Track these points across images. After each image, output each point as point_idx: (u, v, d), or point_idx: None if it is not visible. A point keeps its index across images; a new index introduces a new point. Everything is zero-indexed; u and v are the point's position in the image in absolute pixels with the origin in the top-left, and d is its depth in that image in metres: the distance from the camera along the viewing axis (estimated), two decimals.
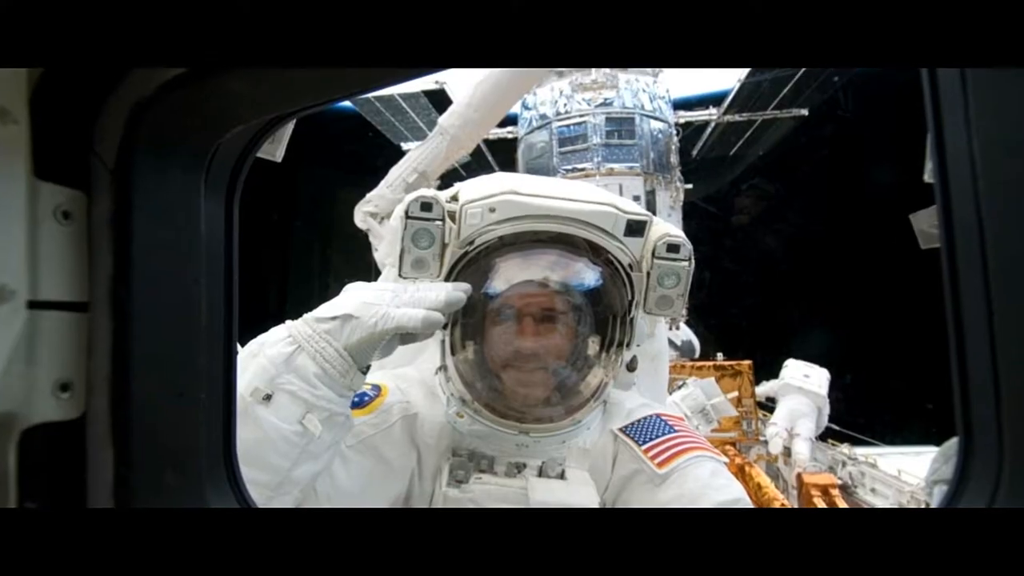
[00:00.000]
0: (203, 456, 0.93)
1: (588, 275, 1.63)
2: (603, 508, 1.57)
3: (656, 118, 14.94)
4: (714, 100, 17.10)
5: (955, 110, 0.75)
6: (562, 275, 1.61)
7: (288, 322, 1.45)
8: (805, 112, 16.65)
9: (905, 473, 8.62)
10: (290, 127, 3.22)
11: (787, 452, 9.14)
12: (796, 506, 8.41)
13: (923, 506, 7.32)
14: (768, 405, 10.80)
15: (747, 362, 10.72)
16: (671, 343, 10.17)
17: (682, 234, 1.66)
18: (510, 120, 15.53)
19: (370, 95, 14.02)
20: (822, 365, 9.78)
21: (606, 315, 1.68)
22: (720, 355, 11.42)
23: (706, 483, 1.55)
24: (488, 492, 1.52)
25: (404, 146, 15.81)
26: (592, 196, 1.62)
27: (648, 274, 1.64)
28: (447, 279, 1.61)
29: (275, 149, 3.44)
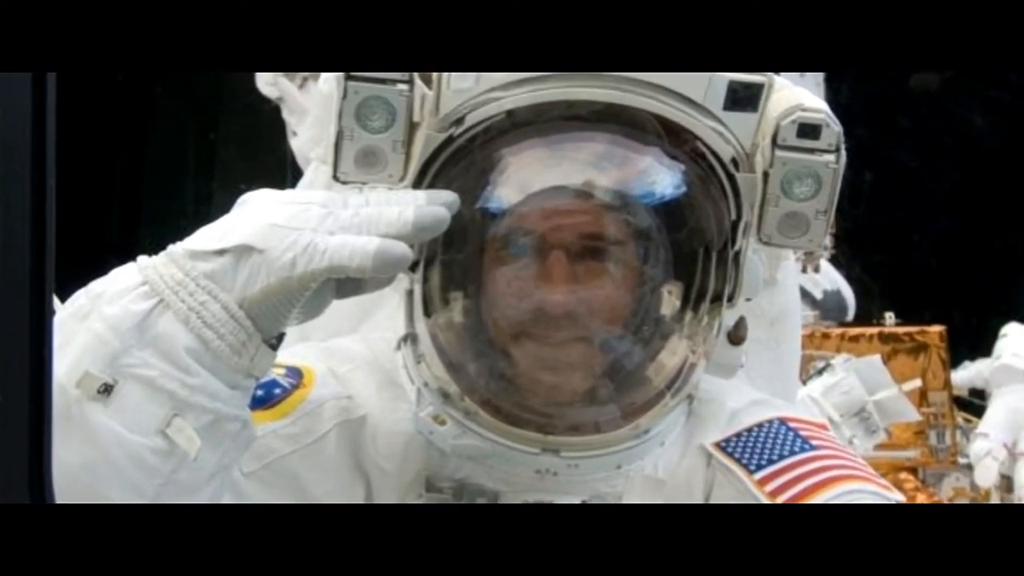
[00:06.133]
0: None
1: (661, 178, 1.61)
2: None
3: None
4: None
5: None
6: (616, 177, 1.60)
7: (142, 259, 1.44)
8: None
9: None
10: None
11: (1006, 483, 9.21)
12: None
13: None
14: (975, 403, 10.84)
15: (937, 328, 10.71)
16: (806, 296, 10.18)
17: (824, 106, 1.63)
18: None
19: None
20: None
21: (692, 248, 1.67)
22: (890, 316, 11.41)
23: None
24: None
25: None
26: None
27: (766, 176, 1.62)
28: (417, 185, 1.59)
29: None
